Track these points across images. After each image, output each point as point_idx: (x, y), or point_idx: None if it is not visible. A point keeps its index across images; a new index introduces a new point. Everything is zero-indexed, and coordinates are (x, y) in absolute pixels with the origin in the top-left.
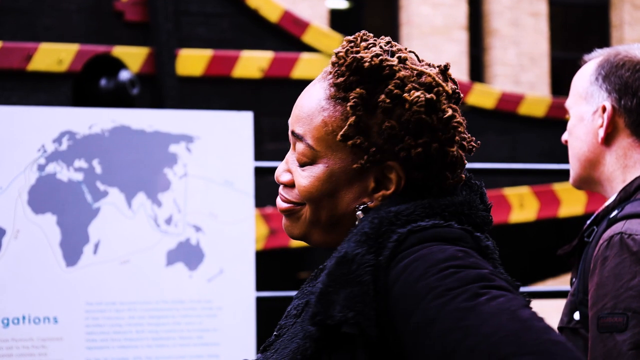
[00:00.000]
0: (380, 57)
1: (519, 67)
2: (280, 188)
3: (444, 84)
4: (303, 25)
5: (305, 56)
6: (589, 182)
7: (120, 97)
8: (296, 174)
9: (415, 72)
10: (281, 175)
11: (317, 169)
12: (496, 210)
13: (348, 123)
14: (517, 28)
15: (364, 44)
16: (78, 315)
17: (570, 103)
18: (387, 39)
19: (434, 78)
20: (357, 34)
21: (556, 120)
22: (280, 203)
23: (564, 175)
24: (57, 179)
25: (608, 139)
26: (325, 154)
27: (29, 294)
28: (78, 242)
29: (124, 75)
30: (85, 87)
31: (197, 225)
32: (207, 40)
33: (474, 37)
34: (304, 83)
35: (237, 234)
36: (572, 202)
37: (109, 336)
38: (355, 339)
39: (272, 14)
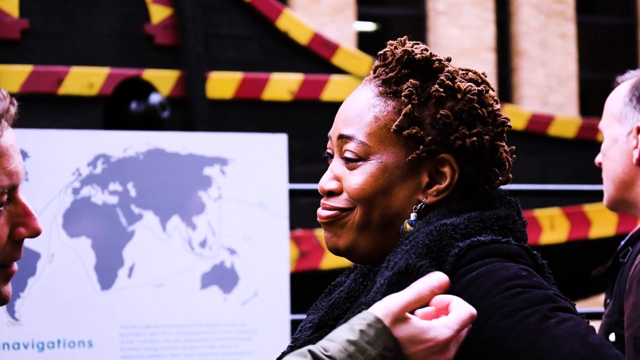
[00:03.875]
0: (430, 52)
1: (547, 88)
2: (323, 199)
3: (488, 81)
4: (333, 47)
5: (335, 78)
6: (623, 204)
7: (151, 121)
8: (346, 176)
9: (461, 70)
10: (327, 184)
11: (370, 166)
12: (527, 232)
13: (403, 113)
14: (545, 49)
15: (408, 43)
16: (113, 339)
17: (604, 124)
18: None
19: (479, 75)
20: (398, 39)
21: (586, 141)
22: (323, 212)
23: (594, 196)
24: (91, 202)
25: None
26: (378, 149)
27: (63, 317)
28: (113, 265)
29: (155, 98)
30: (116, 110)
31: (231, 248)
32: (237, 62)
33: (502, 58)
34: (333, 105)
35: (271, 256)
36: (603, 223)
37: None
38: None
39: (301, 37)
